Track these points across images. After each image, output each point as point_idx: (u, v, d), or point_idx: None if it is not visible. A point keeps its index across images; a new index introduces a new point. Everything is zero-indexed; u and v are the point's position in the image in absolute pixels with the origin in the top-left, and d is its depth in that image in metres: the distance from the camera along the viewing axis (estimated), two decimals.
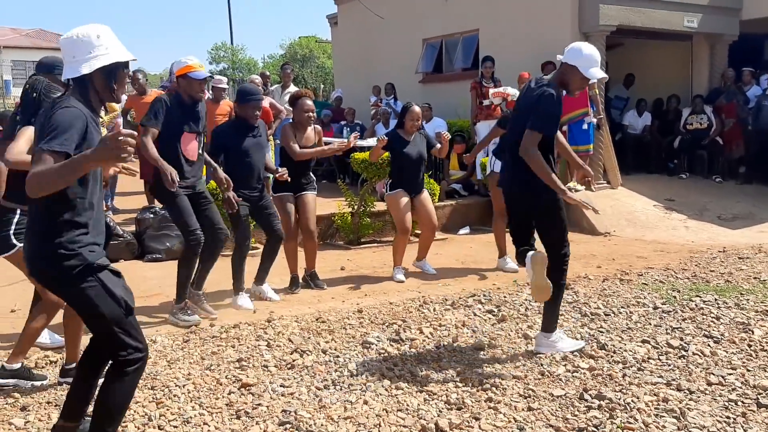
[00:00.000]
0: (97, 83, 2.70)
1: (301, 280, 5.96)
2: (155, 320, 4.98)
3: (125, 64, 2.75)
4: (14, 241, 3.75)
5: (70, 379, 3.57)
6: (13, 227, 3.76)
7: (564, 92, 4.05)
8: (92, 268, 2.62)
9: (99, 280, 2.63)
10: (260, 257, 5.60)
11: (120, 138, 2.31)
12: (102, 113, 2.89)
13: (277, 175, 5.51)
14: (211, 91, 8.19)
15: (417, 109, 6.24)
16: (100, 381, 2.83)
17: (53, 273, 2.63)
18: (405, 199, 6.17)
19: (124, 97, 9.76)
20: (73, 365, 3.66)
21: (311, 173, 6.00)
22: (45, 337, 4.30)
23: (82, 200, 2.64)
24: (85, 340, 3.42)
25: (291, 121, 5.99)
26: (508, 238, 6.58)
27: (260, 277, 5.61)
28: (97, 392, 2.73)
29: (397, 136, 6.25)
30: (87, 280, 2.61)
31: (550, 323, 4.17)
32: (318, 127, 6.02)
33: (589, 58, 3.92)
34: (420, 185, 6.32)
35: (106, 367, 2.76)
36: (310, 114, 5.80)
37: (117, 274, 2.72)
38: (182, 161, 4.83)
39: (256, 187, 5.39)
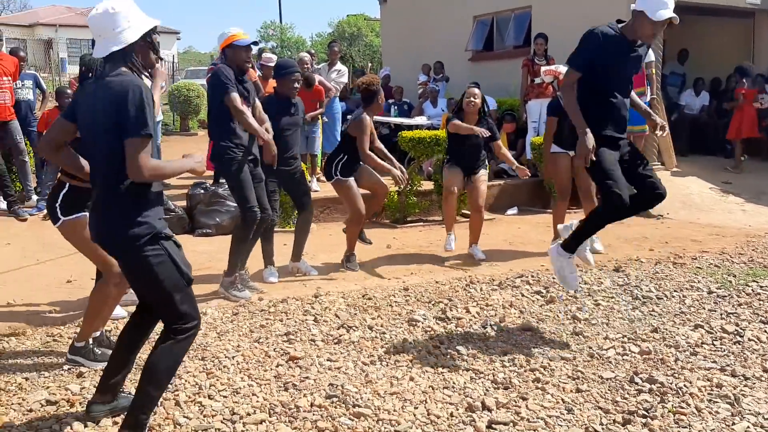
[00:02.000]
0: (137, 54, 2.72)
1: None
2: (206, 293, 5.07)
3: (153, 30, 2.77)
4: (60, 214, 3.63)
5: (79, 358, 3.63)
6: (59, 200, 3.65)
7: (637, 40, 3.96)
8: (159, 236, 2.70)
9: (165, 249, 2.71)
10: (294, 234, 5.64)
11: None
12: None
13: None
14: (260, 70, 8.22)
15: (477, 91, 6.16)
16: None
17: (120, 240, 2.68)
18: (458, 176, 6.18)
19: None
20: (83, 344, 3.65)
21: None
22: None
23: None
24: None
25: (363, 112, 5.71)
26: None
27: (296, 253, 5.63)
28: (147, 357, 2.79)
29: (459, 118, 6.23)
30: (154, 247, 2.68)
31: (570, 244, 4.11)
32: None
33: (657, 0, 3.79)
34: (477, 165, 6.23)
35: (158, 335, 2.83)
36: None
37: (178, 245, 2.80)
38: (242, 130, 4.88)
39: (291, 164, 5.42)
